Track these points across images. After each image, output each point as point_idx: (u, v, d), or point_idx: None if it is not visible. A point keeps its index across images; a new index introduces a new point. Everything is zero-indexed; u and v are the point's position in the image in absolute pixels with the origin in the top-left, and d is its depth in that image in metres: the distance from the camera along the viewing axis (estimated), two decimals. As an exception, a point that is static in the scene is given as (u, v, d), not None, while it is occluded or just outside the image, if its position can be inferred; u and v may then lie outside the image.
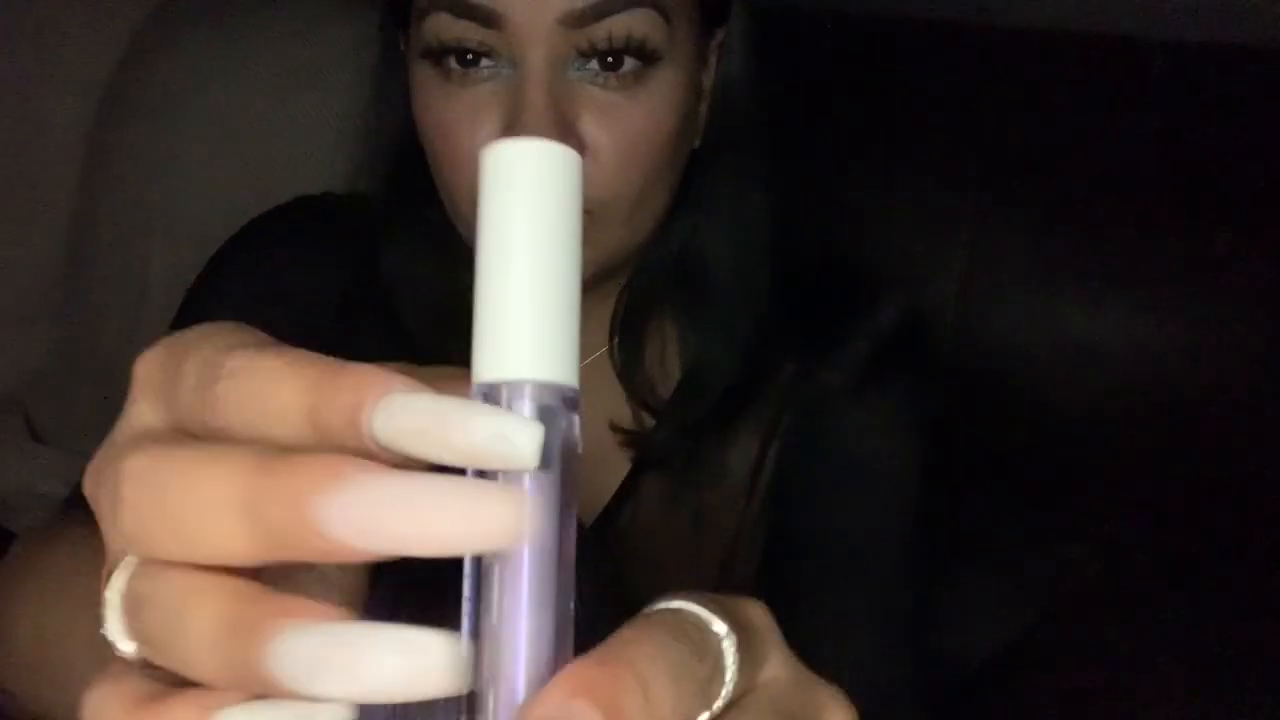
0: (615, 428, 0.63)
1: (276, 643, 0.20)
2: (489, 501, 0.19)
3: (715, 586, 0.64)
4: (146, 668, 0.23)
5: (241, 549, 0.21)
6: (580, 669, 0.20)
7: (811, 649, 0.61)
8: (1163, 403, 0.89)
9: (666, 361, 0.64)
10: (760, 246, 0.62)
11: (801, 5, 0.95)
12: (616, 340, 0.64)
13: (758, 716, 0.23)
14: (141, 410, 0.24)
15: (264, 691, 0.20)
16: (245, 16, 0.96)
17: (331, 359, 0.22)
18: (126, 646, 0.23)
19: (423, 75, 0.55)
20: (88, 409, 1.00)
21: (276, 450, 0.21)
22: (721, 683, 0.23)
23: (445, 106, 0.54)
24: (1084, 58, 0.95)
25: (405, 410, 0.20)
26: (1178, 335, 0.89)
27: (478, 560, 0.21)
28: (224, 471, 0.21)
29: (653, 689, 0.20)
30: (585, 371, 0.65)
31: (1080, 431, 0.91)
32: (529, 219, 0.21)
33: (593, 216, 0.54)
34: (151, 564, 0.22)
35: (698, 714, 0.22)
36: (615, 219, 0.55)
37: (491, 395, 0.21)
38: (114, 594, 0.23)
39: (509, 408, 0.21)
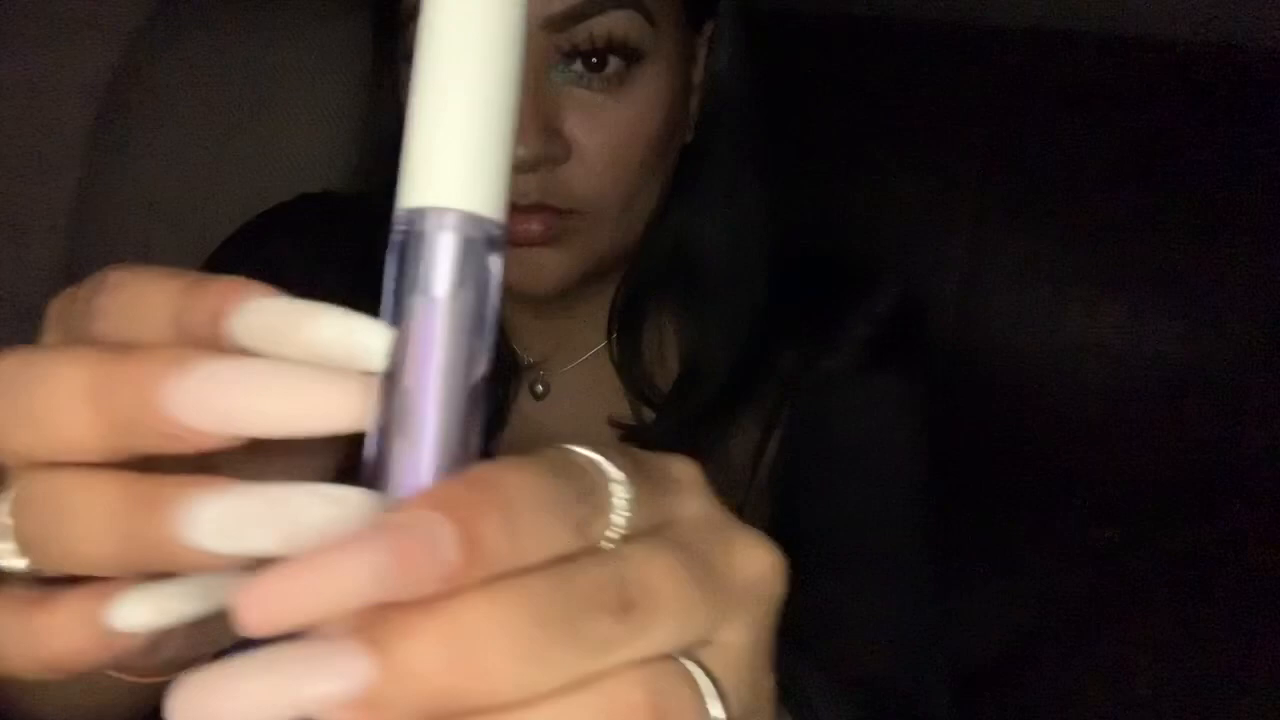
0: (614, 423, 0.63)
1: (188, 509, 0.20)
2: (329, 386, 0.21)
3: None
4: (39, 583, 0.23)
5: (92, 439, 0.21)
6: (445, 486, 0.19)
7: (826, 627, 0.61)
8: (1163, 403, 0.89)
9: (665, 355, 0.65)
10: (756, 238, 0.62)
11: (800, 5, 0.94)
12: (614, 335, 0.64)
13: (653, 544, 0.22)
14: (44, 343, 0.25)
15: (166, 565, 0.21)
16: (244, 16, 0.95)
17: (203, 273, 0.23)
18: (17, 562, 0.23)
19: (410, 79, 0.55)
20: (88, 409, 0.99)
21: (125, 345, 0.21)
22: (605, 523, 0.22)
23: None
24: (1084, 58, 0.95)
25: (261, 312, 0.22)
26: (1178, 335, 0.89)
27: (390, 381, 0.21)
28: (73, 363, 0.21)
29: (518, 518, 0.20)
30: (584, 367, 0.65)
31: (1080, 431, 0.91)
32: (465, 47, 0.21)
33: (582, 217, 0.55)
34: (35, 466, 0.22)
35: (569, 548, 0.21)
36: (604, 217, 0.55)
37: (415, 222, 0.21)
38: (2, 514, 0.23)
39: (432, 235, 0.21)
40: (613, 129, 0.54)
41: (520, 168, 0.52)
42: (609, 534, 0.22)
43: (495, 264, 0.21)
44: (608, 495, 0.22)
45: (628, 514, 0.22)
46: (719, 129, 0.60)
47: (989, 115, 0.94)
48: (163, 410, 0.20)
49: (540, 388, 0.65)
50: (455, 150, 0.20)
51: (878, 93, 0.96)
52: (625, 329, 0.63)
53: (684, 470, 0.25)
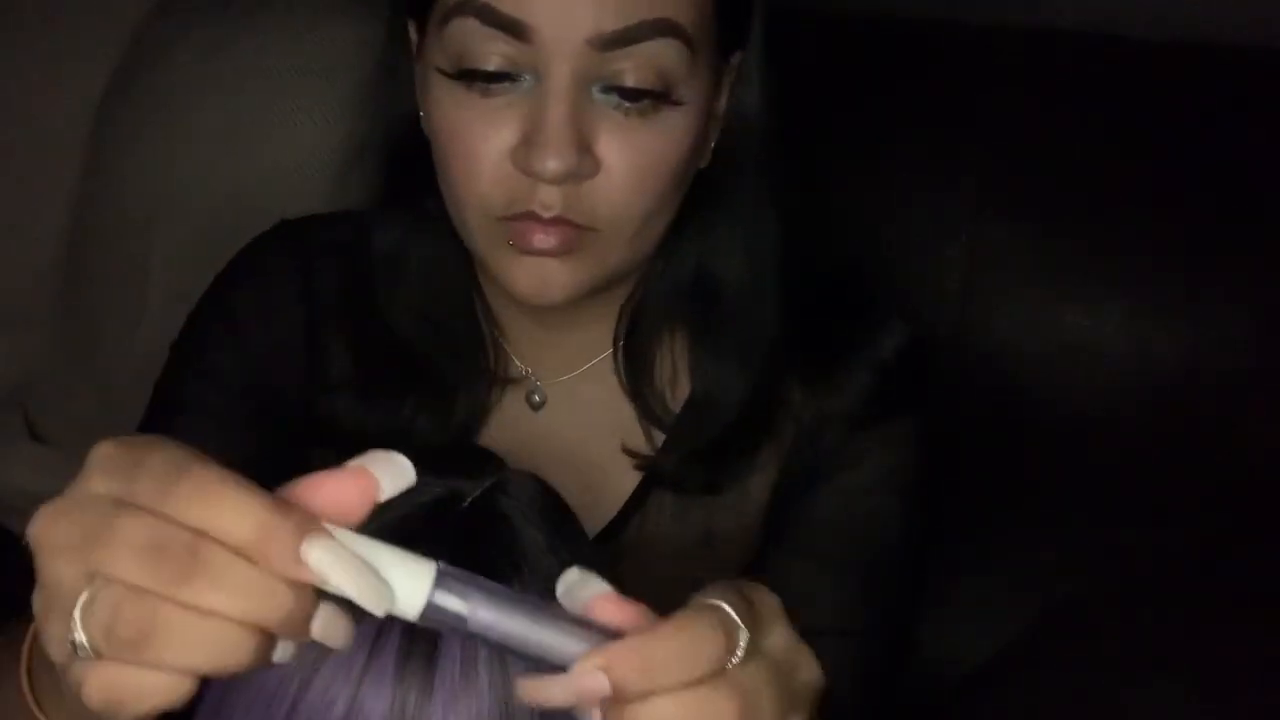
0: (627, 450, 0.63)
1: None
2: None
3: None
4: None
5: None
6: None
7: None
8: (1163, 403, 0.89)
9: (678, 377, 0.65)
10: (772, 267, 0.62)
11: (802, 5, 0.94)
12: (622, 355, 0.64)
13: (756, 668, 0.34)
14: (96, 481, 0.31)
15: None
16: (245, 16, 0.95)
17: (273, 498, 0.30)
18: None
19: (441, 78, 0.55)
20: (88, 409, 0.99)
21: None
22: (734, 651, 0.34)
23: (462, 112, 0.54)
24: (1084, 58, 0.95)
25: (326, 553, 0.30)
26: (1178, 335, 0.89)
27: None
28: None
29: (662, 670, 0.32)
30: (584, 379, 0.65)
31: (1080, 431, 0.91)
32: None
33: (598, 234, 0.55)
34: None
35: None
36: (620, 237, 0.56)
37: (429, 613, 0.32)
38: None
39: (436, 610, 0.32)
40: (642, 152, 0.54)
41: (550, 179, 0.52)
42: (735, 655, 0.34)
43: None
44: (735, 639, 0.34)
45: (744, 644, 0.34)
46: (742, 162, 0.61)
47: (989, 115, 0.94)
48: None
49: (537, 398, 0.65)
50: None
51: (878, 93, 0.96)
52: (632, 346, 0.64)
53: (768, 600, 0.37)
